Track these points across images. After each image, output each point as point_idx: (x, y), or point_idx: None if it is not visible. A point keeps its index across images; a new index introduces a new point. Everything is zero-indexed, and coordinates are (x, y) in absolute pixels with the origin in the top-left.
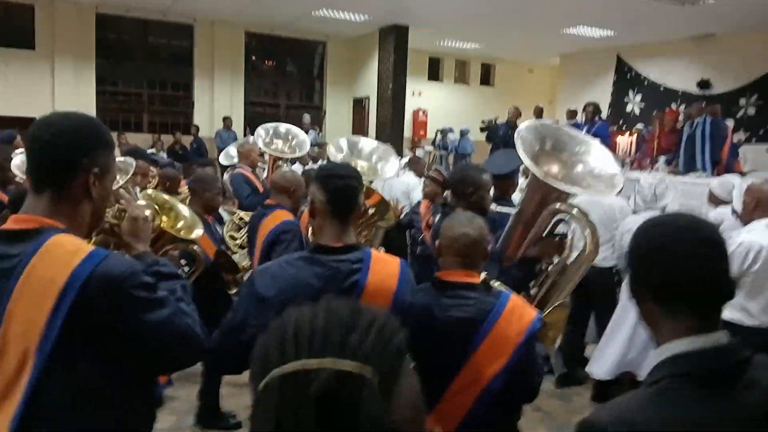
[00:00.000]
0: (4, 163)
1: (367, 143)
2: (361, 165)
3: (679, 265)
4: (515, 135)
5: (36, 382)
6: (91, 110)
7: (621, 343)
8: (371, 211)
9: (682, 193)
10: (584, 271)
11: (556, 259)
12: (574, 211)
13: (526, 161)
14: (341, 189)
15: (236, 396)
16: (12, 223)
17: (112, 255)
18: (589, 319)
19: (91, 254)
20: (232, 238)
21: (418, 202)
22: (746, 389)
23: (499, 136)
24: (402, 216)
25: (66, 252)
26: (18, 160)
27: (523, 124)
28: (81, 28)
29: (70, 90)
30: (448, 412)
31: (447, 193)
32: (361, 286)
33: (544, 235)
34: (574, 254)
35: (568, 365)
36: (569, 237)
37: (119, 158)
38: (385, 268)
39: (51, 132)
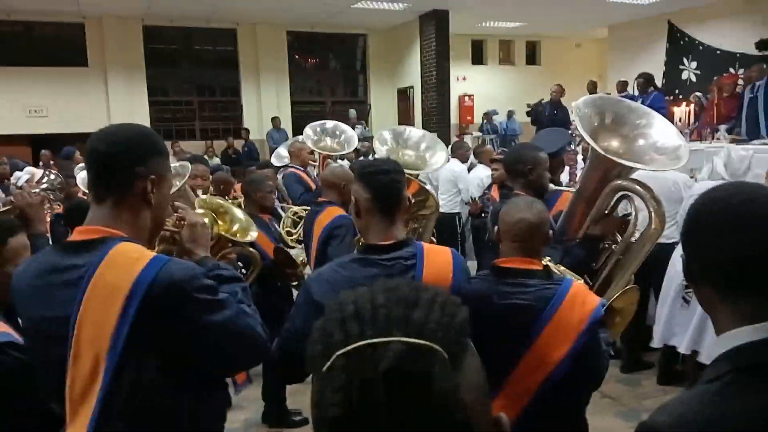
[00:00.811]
0: (68, 178)
1: (413, 132)
2: (408, 155)
3: (740, 243)
4: (574, 111)
5: (108, 386)
6: (145, 121)
7: (665, 313)
8: (412, 201)
9: (757, 162)
10: (650, 248)
11: (619, 238)
12: (637, 186)
13: (586, 137)
14: (386, 184)
15: (302, 393)
16: (77, 235)
17: (174, 260)
18: (649, 300)
19: (154, 260)
20: (289, 234)
21: (489, 186)
22: None
23: (545, 116)
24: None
25: (129, 259)
26: (82, 175)
27: (581, 99)
28: (129, 42)
29: (123, 103)
30: (511, 400)
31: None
32: (419, 279)
33: (606, 213)
34: (638, 232)
35: (633, 349)
36: (633, 214)
37: (175, 163)
38: (438, 259)
39: (107, 143)
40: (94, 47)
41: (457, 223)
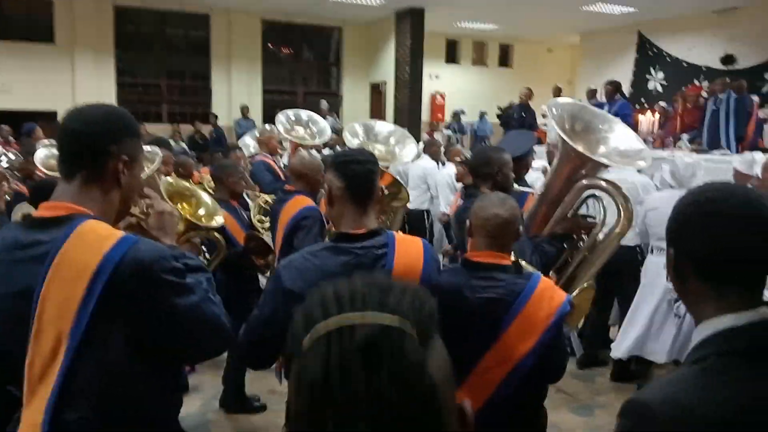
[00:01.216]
0: (27, 156)
1: (384, 127)
2: (378, 149)
3: (729, 235)
4: (548, 110)
5: (69, 364)
6: (111, 102)
7: (640, 324)
8: (385, 193)
9: (707, 170)
10: (616, 245)
11: (584, 236)
12: (606, 184)
13: (561, 134)
14: (360, 174)
15: (260, 379)
16: (42, 211)
17: (143, 240)
18: (613, 301)
19: (123, 239)
20: (260, 221)
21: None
22: None
23: (514, 119)
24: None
25: (98, 237)
26: (41, 153)
27: (554, 101)
28: (100, 21)
29: (90, 83)
30: (474, 391)
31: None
32: (389, 269)
33: (571, 212)
34: (605, 230)
35: (592, 346)
36: (601, 212)
37: (146, 148)
38: (409, 249)
39: (81, 121)
40: (63, 25)
41: (426, 219)
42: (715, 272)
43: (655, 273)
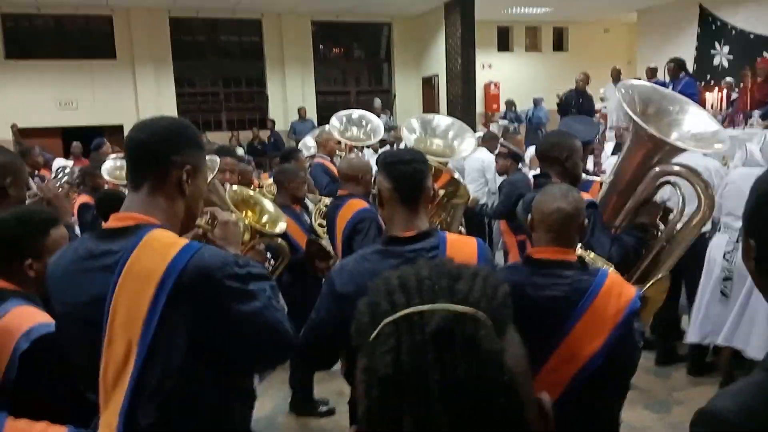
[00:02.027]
0: (95, 170)
1: (442, 120)
2: (436, 144)
3: None
4: (619, 93)
5: (140, 371)
6: (172, 112)
7: (704, 304)
8: (441, 192)
9: None
10: (697, 233)
11: (662, 226)
12: (684, 170)
13: (635, 118)
14: (408, 174)
15: (328, 382)
16: (113, 222)
17: (207, 247)
18: (681, 290)
19: (187, 246)
20: (321, 225)
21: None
22: None
23: (572, 105)
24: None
25: (163, 245)
26: (108, 164)
27: (624, 83)
28: (157, 33)
29: (151, 94)
30: (544, 389)
31: (528, 160)
32: None
33: (647, 200)
34: (683, 218)
35: (666, 340)
36: (680, 199)
37: (208, 157)
38: (462, 249)
39: (146, 132)
40: (122, 40)
41: (485, 212)
42: None
43: (717, 251)
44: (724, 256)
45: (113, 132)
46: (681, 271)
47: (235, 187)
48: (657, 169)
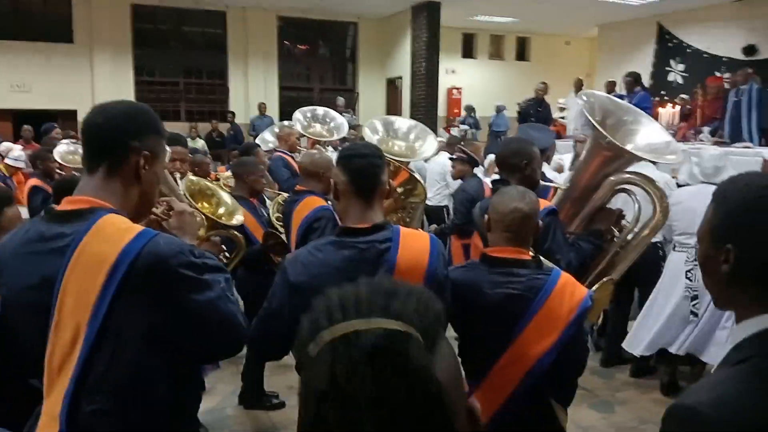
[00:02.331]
0: (46, 154)
1: (404, 122)
2: (398, 145)
3: None
4: (581, 101)
5: (87, 356)
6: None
7: (662, 319)
8: (399, 190)
9: (733, 164)
10: (650, 240)
11: (616, 232)
12: (640, 178)
13: (596, 125)
14: (363, 168)
15: (279, 376)
16: (65, 205)
17: (162, 235)
18: (633, 297)
19: (142, 232)
20: (279, 219)
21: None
22: None
23: (530, 113)
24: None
25: (117, 230)
26: (61, 148)
27: (587, 91)
28: (117, 20)
29: (109, 81)
30: (496, 387)
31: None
32: (392, 263)
33: (602, 207)
34: (638, 225)
35: (614, 343)
36: (636, 207)
37: None
38: (415, 243)
39: (104, 116)
40: (81, 24)
41: (445, 215)
42: None
43: (677, 269)
44: (686, 275)
45: (67, 117)
46: (634, 278)
47: (192, 177)
48: (613, 177)
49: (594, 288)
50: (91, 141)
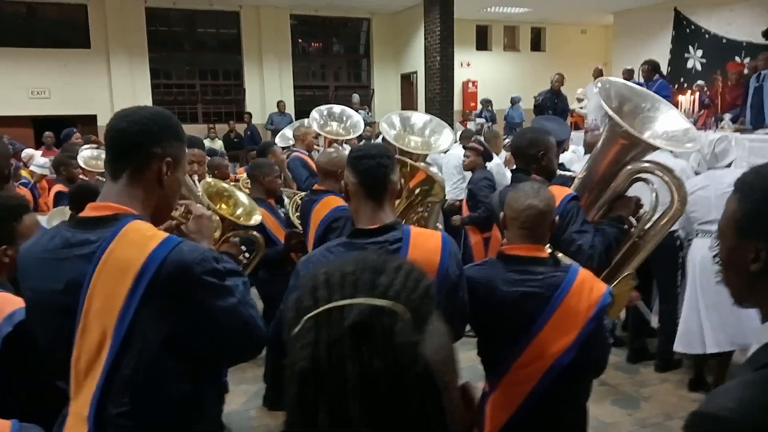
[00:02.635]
0: (69, 160)
1: (420, 117)
2: (414, 140)
3: None
4: (596, 88)
5: (114, 360)
6: (147, 104)
7: (712, 319)
8: (417, 191)
9: (750, 150)
10: (668, 229)
11: (634, 221)
12: (657, 167)
13: (611, 114)
14: (372, 169)
15: None
16: (90, 211)
17: (186, 242)
18: (652, 290)
19: (167, 239)
20: (299, 218)
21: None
22: None
23: (548, 106)
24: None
25: (143, 236)
26: (84, 153)
27: (603, 78)
28: (132, 24)
29: (126, 85)
30: (515, 385)
31: (500, 157)
32: None
33: (620, 195)
34: (656, 214)
35: (638, 338)
36: (654, 195)
37: None
38: (426, 243)
39: (127, 121)
40: (97, 29)
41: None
42: None
43: (707, 258)
44: (714, 259)
45: (86, 122)
46: (652, 271)
47: (209, 179)
48: (630, 166)
49: (613, 284)
50: (115, 146)
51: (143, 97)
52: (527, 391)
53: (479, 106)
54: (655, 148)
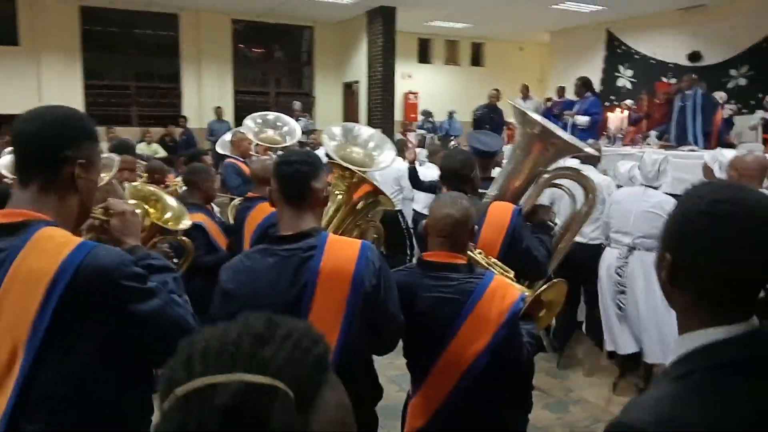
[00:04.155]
0: None
1: (364, 130)
2: (356, 152)
3: (746, 255)
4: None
5: (27, 375)
6: (79, 105)
7: (606, 320)
8: (361, 203)
9: (675, 166)
10: (581, 226)
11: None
12: (569, 172)
13: (529, 112)
14: (289, 175)
15: None
16: None
17: (102, 246)
18: (580, 297)
19: (81, 245)
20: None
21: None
22: None
23: (485, 120)
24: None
25: (55, 244)
26: (6, 160)
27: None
28: (65, 22)
29: (57, 86)
30: (433, 390)
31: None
32: (314, 271)
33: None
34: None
35: (565, 344)
36: (568, 200)
37: (103, 155)
38: (341, 252)
39: (36, 124)
40: (27, 26)
41: (401, 219)
42: (716, 290)
43: (607, 264)
44: (615, 271)
45: (12, 122)
46: (580, 279)
47: (136, 183)
48: (552, 173)
49: (543, 288)
50: (24, 152)
51: (74, 98)
52: (443, 397)
53: (420, 117)
54: (567, 145)
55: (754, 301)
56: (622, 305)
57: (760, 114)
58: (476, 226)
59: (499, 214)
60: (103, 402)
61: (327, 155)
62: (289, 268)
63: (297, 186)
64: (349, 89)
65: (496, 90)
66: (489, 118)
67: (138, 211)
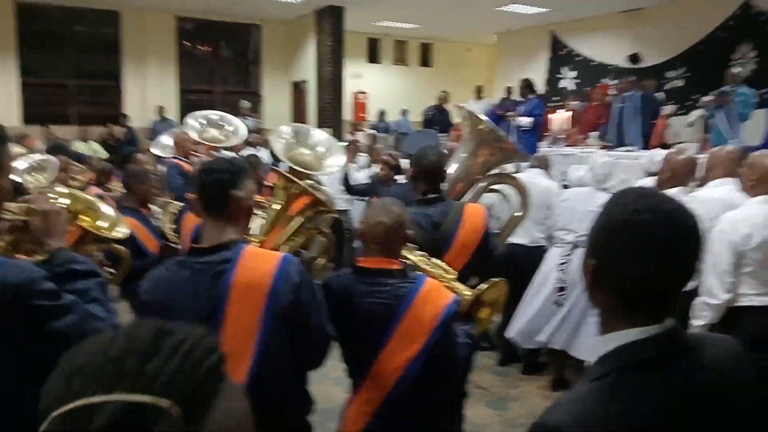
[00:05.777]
0: None
1: (315, 132)
2: (305, 154)
3: (663, 261)
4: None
5: None
6: (15, 104)
7: (534, 308)
8: (299, 218)
9: (620, 167)
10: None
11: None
12: (504, 177)
13: (477, 115)
14: (206, 185)
15: None
16: None
17: (10, 263)
18: (521, 297)
19: None
20: (174, 230)
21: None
22: (694, 369)
23: (434, 121)
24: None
25: None
26: None
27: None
28: None
29: None
30: (369, 395)
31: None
32: (227, 285)
33: None
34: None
35: (508, 344)
36: (507, 204)
37: (40, 157)
38: (258, 266)
39: None
40: None
41: (343, 223)
42: (638, 294)
43: (552, 263)
44: (558, 268)
45: None
46: (522, 279)
47: (65, 189)
48: (482, 183)
49: (485, 287)
50: None
51: (10, 96)
52: (379, 403)
53: (372, 117)
54: (513, 151)
55: (673, 304)
56: (561, 302)
57: (698, 113)
58: (452, 228)
59: (475, 216)
60: (25, 423)
61: (272, 161)
62: (204, 281)
63: (216, 195)
64: (298, 88)
65: (445, 92)
66: (438, 119)
67: (63, 209)
